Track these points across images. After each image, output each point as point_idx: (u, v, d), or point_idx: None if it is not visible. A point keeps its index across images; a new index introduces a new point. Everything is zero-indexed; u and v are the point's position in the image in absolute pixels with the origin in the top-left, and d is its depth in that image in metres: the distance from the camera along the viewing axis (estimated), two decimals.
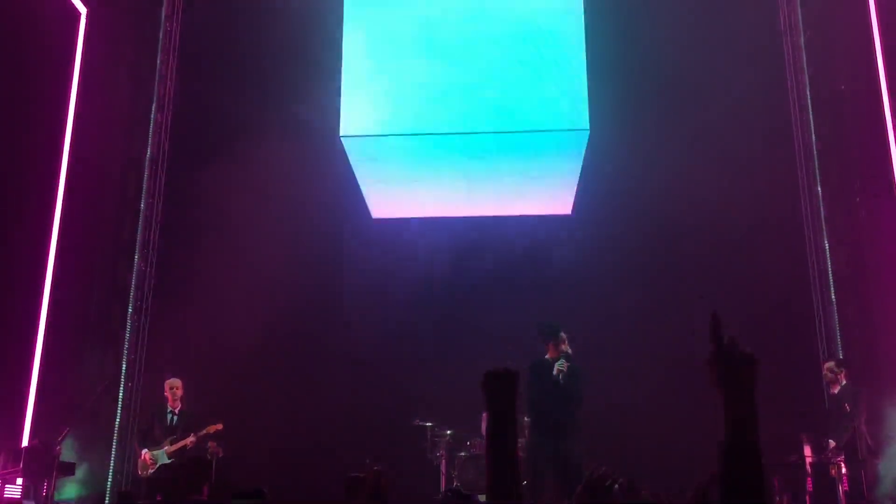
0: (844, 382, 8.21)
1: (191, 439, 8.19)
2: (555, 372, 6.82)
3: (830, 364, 8.43)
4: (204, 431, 8.23)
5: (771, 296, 9.63)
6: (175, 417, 8.28)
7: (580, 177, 10.36)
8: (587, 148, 10.07)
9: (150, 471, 8.16)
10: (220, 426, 8.29)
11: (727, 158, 9.88)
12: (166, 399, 8.44)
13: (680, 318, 9.84)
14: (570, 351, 7.00)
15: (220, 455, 8.69)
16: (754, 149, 9.95)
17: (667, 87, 10.21)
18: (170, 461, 8.17)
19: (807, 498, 7.83)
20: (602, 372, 9.86)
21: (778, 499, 8.06)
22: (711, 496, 2.05)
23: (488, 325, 10.31)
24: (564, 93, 10.02)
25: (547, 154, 10.32)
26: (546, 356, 7.05)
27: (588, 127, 9.89)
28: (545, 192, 10.82)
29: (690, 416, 9.19)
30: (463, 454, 9.24)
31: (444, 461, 9.27)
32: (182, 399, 8.50)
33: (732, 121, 9.95)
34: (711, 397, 2.04)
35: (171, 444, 8.22)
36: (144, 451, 8.19)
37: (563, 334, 7.03)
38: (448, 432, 9.29)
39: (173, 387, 8.45)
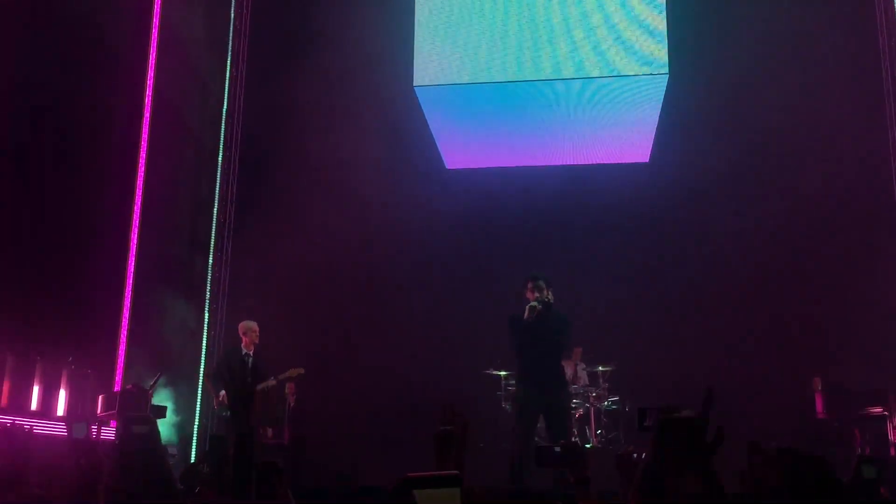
0: None
1: (272, 382, 8.13)
2: (525, 316, 6.52)
3: None
4: (286, 375, 8.18)
5: (858, 246, 9.28)
6: (251, 359, 8.17)
7: (658, 123, 10.09)
8: (666, 93, 9.78)
9: (229, 412, 8.11)
10: (301, 370, 8.26)
11: (812, 100, 9.46)
12: (240, 341, 8.27)
13: (760, 266, 9.64)
14: (549, 299, 6.59)
15: (293, 405, 8.89)
16: (841, 90, 9.48)
17: (749, 27, 9.79)
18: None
19: (891, 449, 7.66)
20: (677, 321, 9.79)
21: (860, 450, 7.91)
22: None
23: (564, 274, 10.25)
24: (643, 36, 9.71)
25: (625, 100, 10.06)
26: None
27: (668, 71, 9.58)
28: (622, 139, 10.59)
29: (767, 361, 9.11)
30: None
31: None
32: (257, 342, 8.41)
33: (819, 62, 9.50)
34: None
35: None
36: (222, 392, 8.02)
37: (533, 283, 6.63)
38: None
39: (249, 329, 8.22)
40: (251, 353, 8.18)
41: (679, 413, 2.18)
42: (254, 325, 8.27)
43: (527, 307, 6.52)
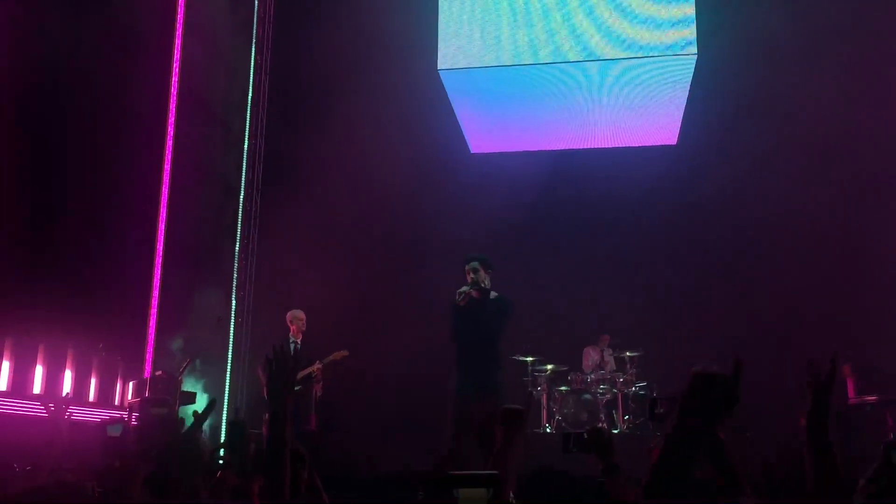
0: None
1: (317, 366, 8.24)
2: (457, 300, 6.24)
3: None
4: (330, 358, 8.30)
5: (889, 223, 9.09)
6: (298, 346, 8.33)
7: (686, 105, 9.94)
8: (695, 74, 9.62)
9: None
10: (346, 353, 8.37)
11: (848, 78, 9.26)
12: (288, 329, 8.42)
13: (791, 250, 9.50)
14: (486, 282, 6.31)
15: (320, 392, 8.91)
16: (882, 69, 9.27)
17: (782, 3, 9.58)
18: (297, 388, 8.26)
19: None
20: (706, 305, 9.69)
21: (892, 435, 7.78)
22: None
23: (591, 259, 10.19)
24: (670, 16, 9.55)
25: (652, 82, 9.90)
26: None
27: (696, 51, 9.42)
28: (650, 121, 10.45)
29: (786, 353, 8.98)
30: (563, 388, 9.26)
31: (545, 395, 9.30)
32: (304, 330, 8.52)
33: (856, 38, 9.28)
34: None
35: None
36: None
37: (467, 266, 6.38)
38: (548, 367, 9.29)
39: (296, 318, 8.41)
40: (298, 340, 8.33)
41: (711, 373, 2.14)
42: (300, 313, 8.43)
43: (457, 292, 6.28)
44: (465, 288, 6.29)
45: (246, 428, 6.28)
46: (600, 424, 8.67)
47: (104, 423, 4.14)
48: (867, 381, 7.62)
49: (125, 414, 7.93)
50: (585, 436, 3.06)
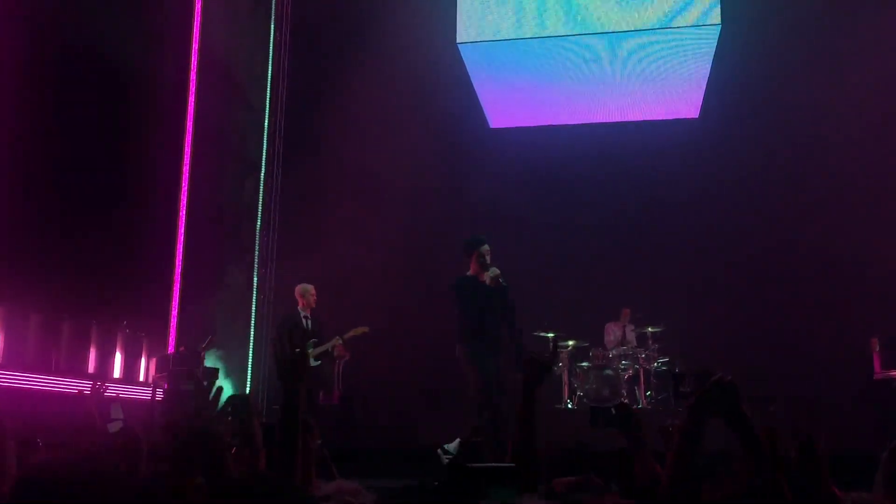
0: None
1: (337, 341, 8.19)
2: (489, 280, 6.32)
3: None
4: (351, 334, 8.23)
5: None
6: (310, 321, 8.25)
7: (709, 77, 9.80)
8: (718, 45, 9.47)
9: None
10: (366, 329, 8.31)
11: (875, 52, 9.07)
12: (297, 303, 8.33)
13: (815, 225, 9.38)
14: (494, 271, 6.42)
15: (347, 358, 8.92)
16: None
17: None
18: (317, 363, 8.28)
19: None
20: (727, 281, 9.61)
21: None
22: None
23: (612, 233, 10.13)
24: None
25: (674, 54, 9.76)
26: (468, 273, 6.53)
27: (720, 21, 9.26)
28: (672, 94, 10.31)
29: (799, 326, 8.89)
30: (585, 364, 9.24)
31: (566, 371, 9.29)
32: (314, 305, 8.45)
33: (878, 16, 9.08)
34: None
35: (315, 347, 8.24)
36: None
37: (483, 248, 6.47)
38: (570, 343, 9.27)
39: (307, 292, 8.31)
40: (309, 315, 8.27)
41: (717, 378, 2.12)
42: (310, 287, 8.35)
43: (492, 274, 6.36)
44: (497, 270, 6.41)
45: (249, 402, 6.34)
46: (622, 400, 8.65)
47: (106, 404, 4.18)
48: (894, 356, 7.50)
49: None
50: (613, 411, 3.06)
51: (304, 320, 8.21)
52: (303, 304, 8.30)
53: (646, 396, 9.11)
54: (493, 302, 6.38)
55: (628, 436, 2.96)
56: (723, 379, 2.13)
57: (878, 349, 7.58)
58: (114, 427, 4.04)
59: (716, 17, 9.30)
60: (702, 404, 2.11)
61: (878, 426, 7.03)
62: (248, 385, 10.05)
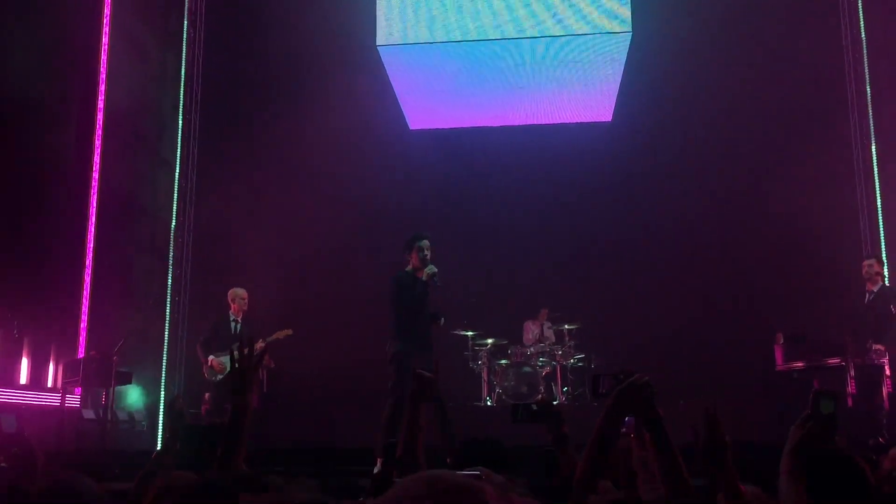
0: (883, 284, 8.03)
1: (260, 344, 7.80)
2: (425, 276, 6.41)
3: (871, 261, 8.15)
4: (273, 337, 8.12)
5: (815, 199, 9.43)
6: (238, 325, 8.16)
7: (621, 83, 10.12)
8: (629, 52, 9.78)
9: (220, 376, 8.01)
10: (289, 331, 8.21)
11: (778, 59, 9.55)
12: (228, 307, 8.26)
13: (723, 226, 9.80)
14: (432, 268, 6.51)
15: (272, 366, 8.85)
16: (807, 49, 9.56)
17: None
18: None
19: (848, 399, 7.82)
20: (641, 279, 9.94)
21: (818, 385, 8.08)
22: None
23: (526, 235, 10.33)
24: None
25: (588, 59, 10.04)
26: (407, 269, 6.58)
27: (631, 29, 9.57)
28: (586, 98, 10.60)
29: (719, 332, 9.31)
30: (503, 362, 9.39)
31: (485, 369, 9.43)
32: (246, 309, 8.37)
33: (784, 22, 9.57)
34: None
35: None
36: (211, 357, 8.01)
37: (423, 243, 6.53)
38: (489, 341, 9.41)
39: (238, 296, 8.25)
40: (239, 319, 8.19)
41: (636, 380, 2.22)
42: (242, 291, 8.28)
43: (429, 271, 6.42)
44: (433, 268, 6.44)
45: (186, 415, 6.20)
46: (539, 396, 8.84)
47: None
48: (795, 348, 7.88)
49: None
50: (534, 406, 3.11)
51: (233, 324, 8.10)
52: (234, 308, 8.22)
53: (563, 392, 9.33)
54: (427, 299, 6.47)
55: (552, 431, 3.01)
56: (639, 379, 2.22)
57: (781, 342, 7.94)
58: (9, 426, 3.92)
59: (627, 24, 9.60)
60: (619, 404, 2.20)
61: (780, 417, 7.38)
62: (163, 387, 9.79)
